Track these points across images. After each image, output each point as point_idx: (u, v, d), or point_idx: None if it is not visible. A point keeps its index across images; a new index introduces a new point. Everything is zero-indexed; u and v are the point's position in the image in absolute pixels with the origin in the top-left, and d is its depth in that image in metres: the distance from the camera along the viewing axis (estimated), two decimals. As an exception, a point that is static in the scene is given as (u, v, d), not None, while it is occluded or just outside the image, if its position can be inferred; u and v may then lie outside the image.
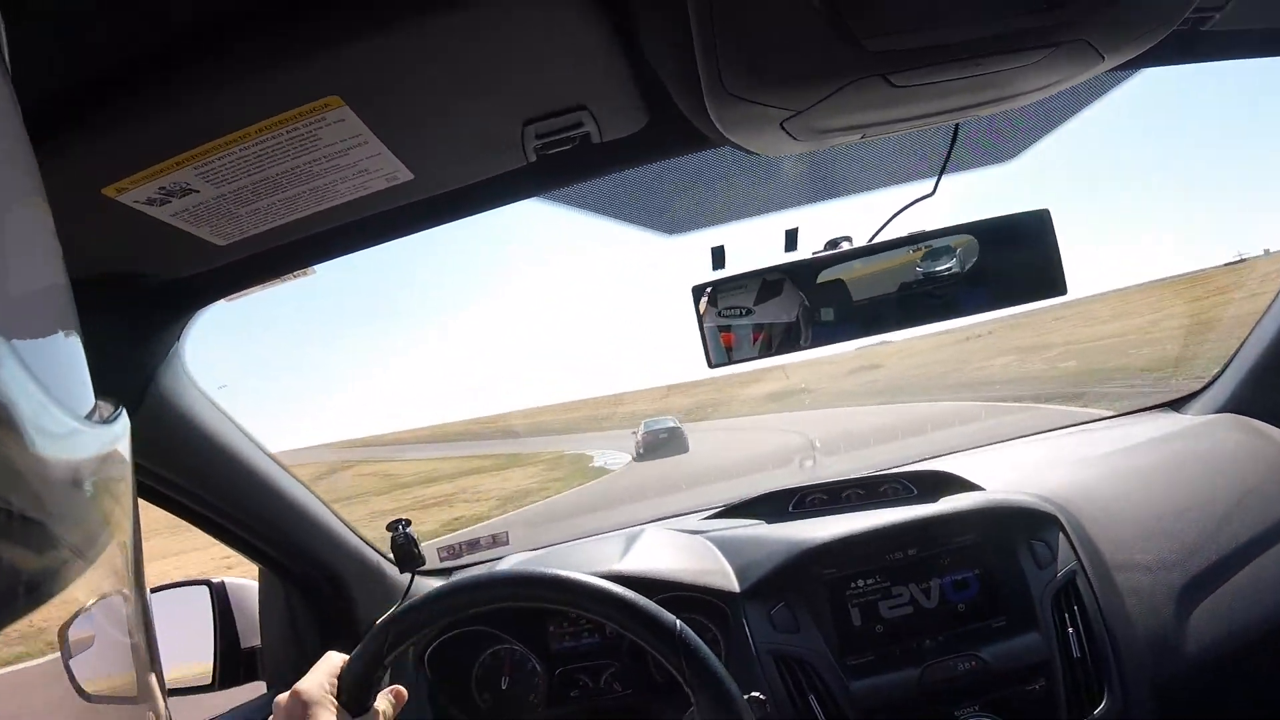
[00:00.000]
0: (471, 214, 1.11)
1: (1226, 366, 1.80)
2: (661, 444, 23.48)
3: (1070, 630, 1.35)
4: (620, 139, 0.98)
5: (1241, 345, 1.75)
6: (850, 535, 1.46)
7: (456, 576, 1.96)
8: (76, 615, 0.33)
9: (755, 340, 1.19)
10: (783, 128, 0.88)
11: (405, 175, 0.93)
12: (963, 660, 1.35)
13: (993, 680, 1.34)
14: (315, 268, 1.17)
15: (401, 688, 0.98)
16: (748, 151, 0.97)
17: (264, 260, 1.08)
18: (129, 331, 1.10)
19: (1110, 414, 2.04)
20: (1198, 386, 1.90)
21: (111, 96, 0.70)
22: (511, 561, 1.81)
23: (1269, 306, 1.65)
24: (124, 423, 0.36)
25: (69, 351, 0.34)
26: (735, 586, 1.46)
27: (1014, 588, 1.41)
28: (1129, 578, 1.38)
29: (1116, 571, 1.39)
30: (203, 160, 0.79)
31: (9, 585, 0.26)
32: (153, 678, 0.39)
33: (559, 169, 1.04)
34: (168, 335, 1.16)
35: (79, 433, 0.31)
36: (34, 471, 0.27)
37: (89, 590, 0.32)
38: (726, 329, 1.19)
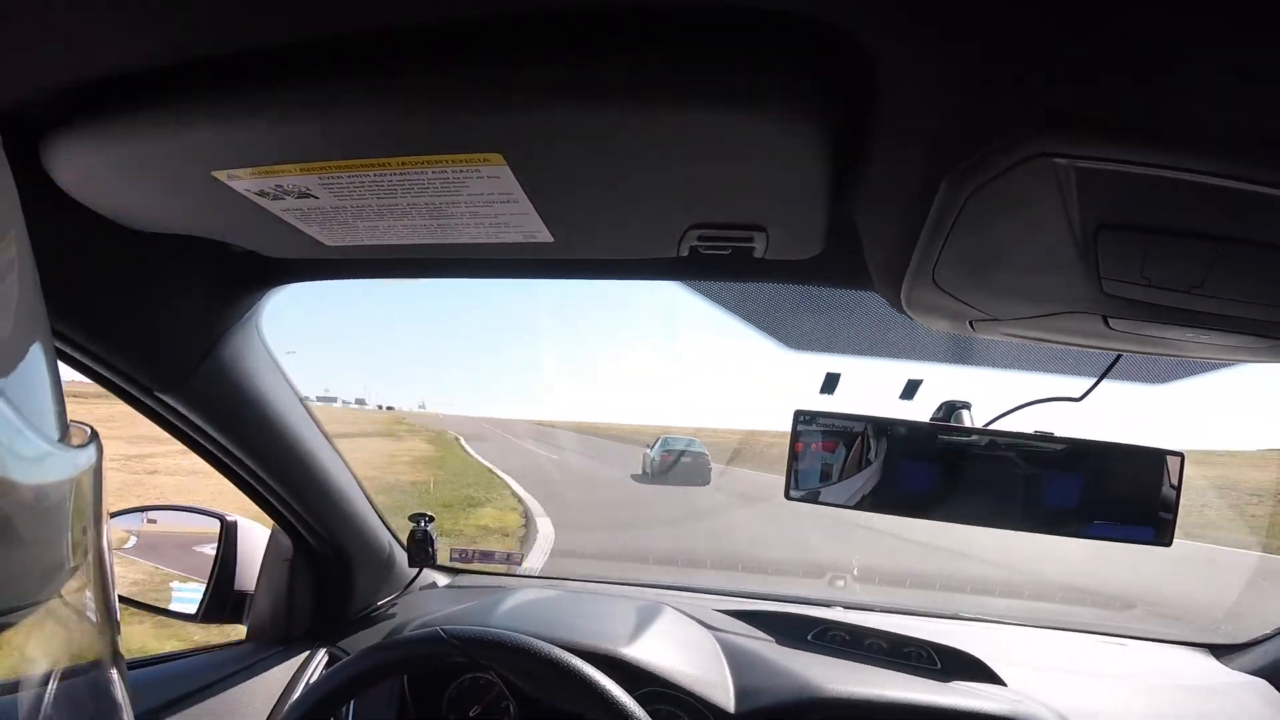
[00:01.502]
0: (601, 279, 1.08)
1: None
2: (677, 469, 19.99)
3: None
4: (783, 260, 0.92)
5: None
6: (865, 699, 1.40)
7: (454, 583, 1.97)
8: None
9: (846, 484, 1.13)
10: (969, 324, 0.82)
11: (545, 237, 0.87)
12: None
13: None
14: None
15: None
16: (909, 316, 0.91)
17: (369, 264, 1.07)
18: (213, 289, 1.09)
19: (1147, 637, 1.95)
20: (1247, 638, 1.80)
21: (242, 84, 0.63)
22: (515, 598, 1.77)
23: None
24: (96, 448, 0.36)
25: (42, 375, 0.34)
26: (731, 706, 1.40)
27: None
28: None
29: None
30: (332, 174, 0.73)
31: None
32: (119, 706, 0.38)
33: (706, 267, 1.00)
34: (248, 300, 1.15)
35: (51, 456, 0.32)
36: (4, 493, 0.27)
37: (46, 620, 0.33)
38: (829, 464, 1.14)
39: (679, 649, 1.49)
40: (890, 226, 0.72)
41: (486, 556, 2.10)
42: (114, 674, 0.38)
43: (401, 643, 1.13)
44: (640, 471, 20.90)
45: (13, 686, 0.31)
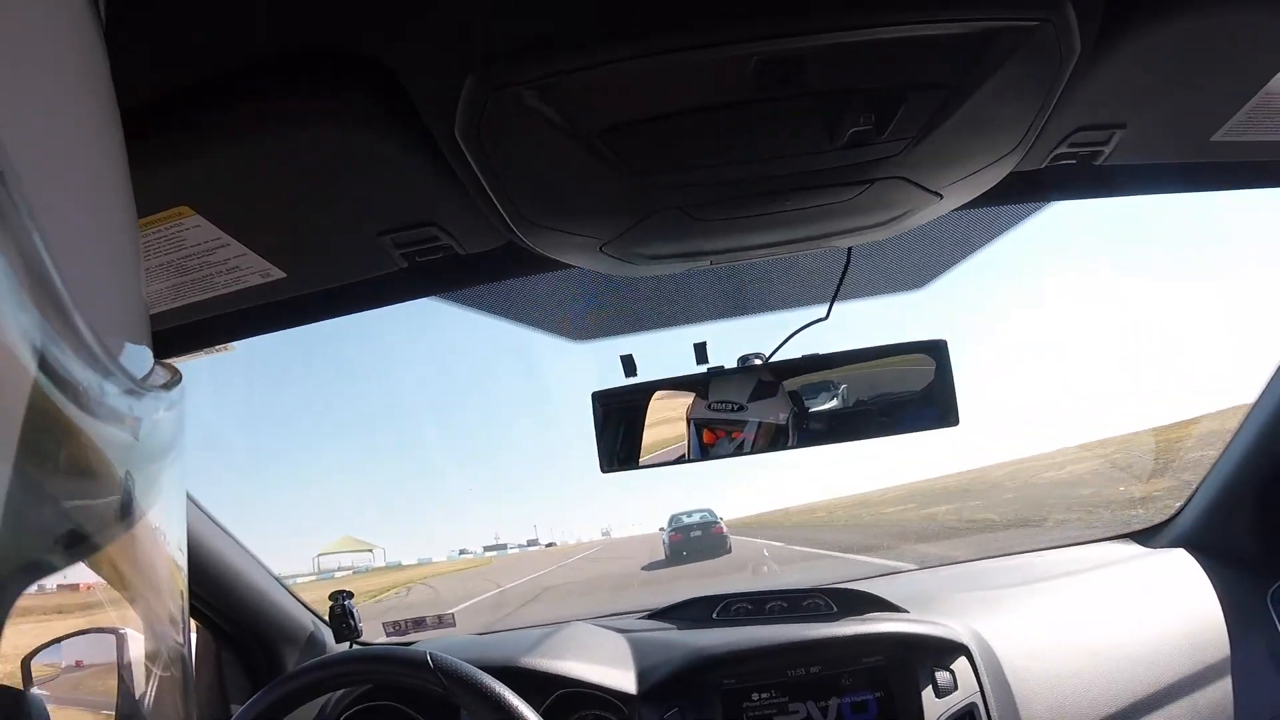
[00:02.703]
0: (355, 311, 1.13)
1: (1189, 500, 1.75)
2: (691, 545, 18.24)
3: None
4: (483, 253, 1.00)
5: (1203, 480, 1.71)
6: (752, 647, 1.44)
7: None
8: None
9: (735, 439, 1.22)
10: (604, 252, 0.92)
11: (278, 273, 0.96)
12: None
13: None
14: (231, 345, 1.21)
15: None
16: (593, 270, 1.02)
17: (171, 336, 1.12)
18: None
19: (1065, 544, 1.99)
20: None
21: None
22: (443, 643, 1.81)
23: (1230, 439, 1.62)
24: (182, 389, 0.36)
25: (131, 311, 0.34)
26: (633, 688, 1.44)
27: (911, 715, 1.37)
28: (1034, 713, 1.35)
29: (1023, 706, 1.35)
30: None
31: (52, 537, 0.26)
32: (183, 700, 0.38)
33: (433, 276, 1.07)
34: None
35: (137, 395, 0.31)
36: (90, 434, 0.27)
37: (127, 566, 0.32)
38: (710, 425, 1.22)
39: (582, 652, 1.53)
40: (483, 193, 0.82)
41: (419, 624, 2.11)
42: (178, 633, 0.37)
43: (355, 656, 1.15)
44: (663, 557, 19.47)
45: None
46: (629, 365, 1.24)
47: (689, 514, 20.09)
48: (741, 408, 1.22)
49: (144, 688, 0.36)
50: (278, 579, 1.68)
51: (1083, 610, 1.51)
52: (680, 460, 1.23)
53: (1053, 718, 1.34)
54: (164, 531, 0.34)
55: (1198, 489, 1.73)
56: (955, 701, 1.36)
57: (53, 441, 0.25)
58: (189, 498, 1.39)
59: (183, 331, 1.12)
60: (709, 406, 1.22)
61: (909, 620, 1.47)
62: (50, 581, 0.26)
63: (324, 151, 0.77)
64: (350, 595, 1.76)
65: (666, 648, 1.52)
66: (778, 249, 1.00)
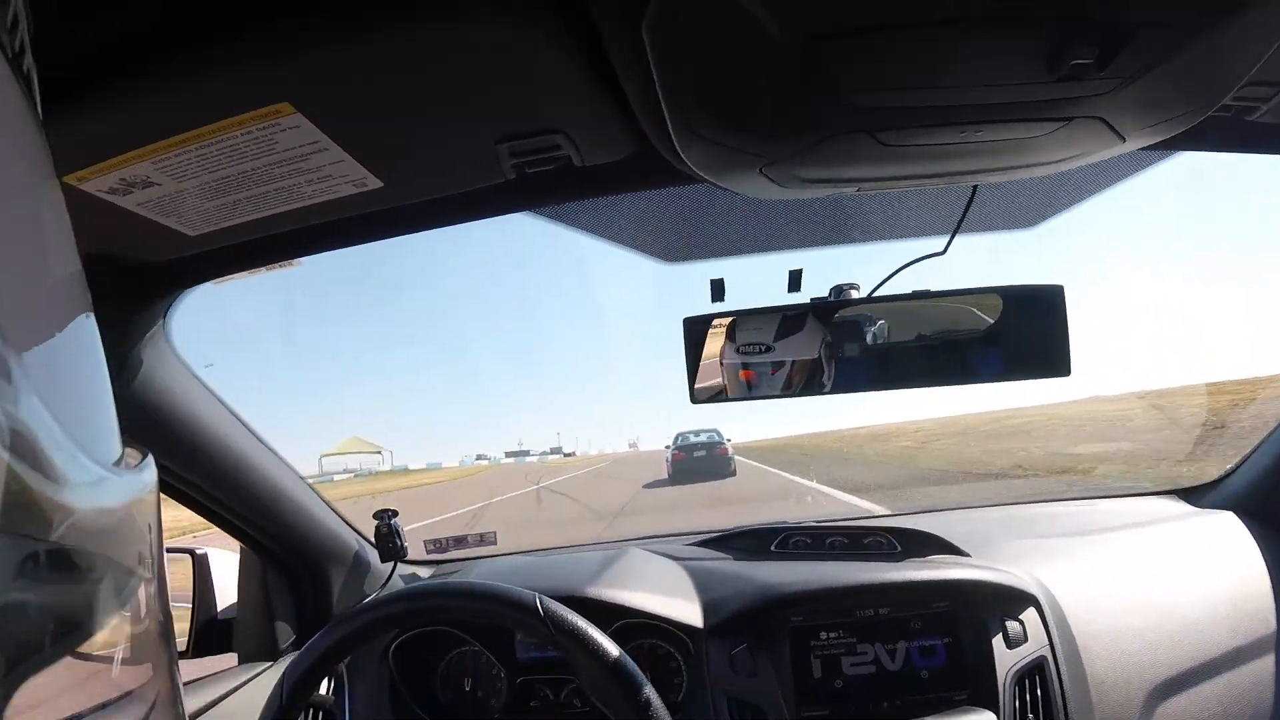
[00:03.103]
0: (449, 224, 1.09)
1: (1243, 462, 1.72)
2: (694, 466, 18.13)
3: (1030, 717, 1.29)
4: (603, 164, 0.95)
5: (1261, 443, 1.66)
6: (823, 587, 1.42)
7: (438, 572, 1.98)
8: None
9: (774, 376, 1.17)
10: (763, 173, 0.85)
11: (375, 183, 0.91)
12: None
13: None
14: (299, 260, 1.16)
15: None
16: (731, 191, 0.95)
17: (239, 251, 1.08)
18: (109, 309, 1.09)
19: (1114, 494, 1.97)
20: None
21: (67, 88, 0.69)
22: (490, 564, 1.81)
23: None
24: (152, 470, 0.37)
25: (97, 398, 0.35)
26: (699, 622, 1.43)
27: (981, 663, 1.35)
28: (1098, 669, 1.32)
29: (1087, 660, 1.33)
30: (160, 155, 0.78)
31: (38, 631, 0.26)
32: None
33: (540, 188, 1.01)
34: (149, 315, 1.16)
35: (108, 480, 0.32)
36: (63, 519, 0.27)
37: (116, 637, 0.32)
38: (746, 365, 1.17)
39: (644, 581, 1.52)
40: (642, 93, 0.75)
41: (460, 541, 2.09)
42: (176, 694, 0.37)
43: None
44: (664, 476, 19.35)
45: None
46: (718, 290, 1.18)
47: (695, 433, 19.97)
48: (838, 342, 1.16)
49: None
50: (319, 495, 1.65)
51: (1138, 566, 1.49)
52: (770, 395, 1.17)
53: (1115, 677, 1.32)
54: (145, 605, 0.34)
55: (1253, 452, 1.69)
56: (1027, 653, 1.34)
57: (30, 528, 0.25)
58: (232, 411, 1.38)
59: (252, 247, 1.07)
60: (803, 339, 1.16)
61: (976, 567, 1.44)
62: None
63: (458, 49, 0.70)
64: (395, 514, 1.76)
65: (732, 581, 1.50)
66: (939, 180, 0.94)
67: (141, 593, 0.34)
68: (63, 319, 0.33)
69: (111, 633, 0.31)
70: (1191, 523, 1.65)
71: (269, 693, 1.50)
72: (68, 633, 0.28)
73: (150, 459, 0.37)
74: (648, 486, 18.32)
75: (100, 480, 0.31)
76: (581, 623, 0.90)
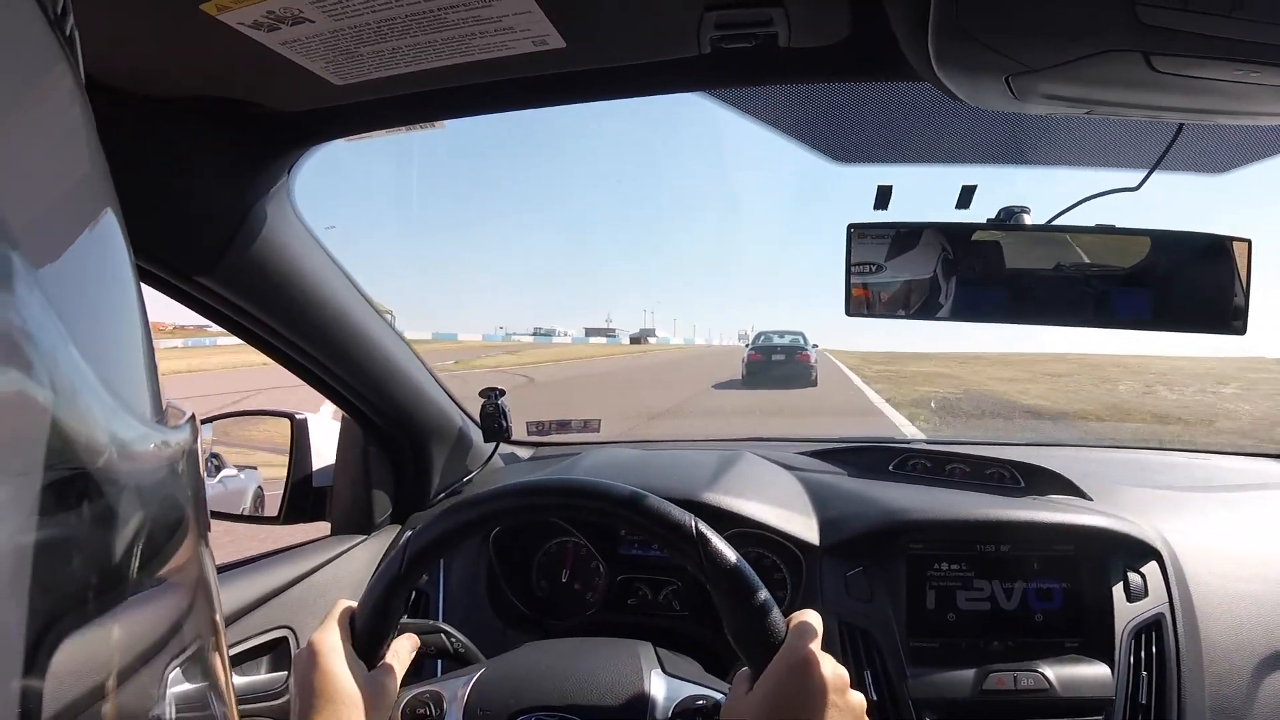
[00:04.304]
0: (625, 96, 1.03)
1: None
2: (772, 371, 16.46)
3: (1144, 674, 1.27)
4: (811, 48, 0.88)
5: None
6: (949, 518, 1.39)
7: (537, 454, 1.99)
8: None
9: (886, 299, 1.12)
10: (1006, 82, 0.79)
11: (557, 42, 0.84)
12: (1027, 674, 1.28)
13: (1050, 705, 1.27)
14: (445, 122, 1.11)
15: (415, 636, 0.97)
16: (952, 95, 0.89)
17: (385, 106, 1.02)
18: (234, 157, 1.06)
19: (1228, 451, 1.93)
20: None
21: None
22: (596, 454, 1.80)
23: None
24: (192, 429, 0.37)
25: (139, 359, 0.35)
26: (816, 539, 1.41)
27: (1098, 612, 1.33)
28: (1212, 631, 1.30)
29: (1202, 621, 1.31)
30: None
31: (79, 587, 0.26)
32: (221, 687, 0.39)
33: (732, 67, 0.95)
34: (275, 167, 1.11)
35: (148, 437, 0.33)
36: (103, 477, 0.28)
37: (152, 595, 0.33)
38: (861, 284, 1.13)
39: (761, 490, 1.50)
40: None
41: (563, 426, 2.09)
42: (216, 658, 0.38)
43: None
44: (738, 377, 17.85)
45: (126, 671, 0.30)
46: (883, 197, 1.13)
47: (779, 334, 18.78)
48: (1007, 268, 1.10)
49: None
50: (430, 370, 1.63)
51: (1259, 530, 1.45)
52: (927, 315, 1.12)
53: (1230, 640, 1.29)
54: (189, 566, 0.36)
55: None
56: (1146, 609, 1.31)
57: (74, 483, 0.26)
58: (349, 277, 1.35)
59: (401, 103, 1.01)
60: (969, 262, 1.11)
61: (1101, 513, 1.40)
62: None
63: None
64: (503, 393, 1.75)
65: (851, 499, 1.49)
66: (1174, 115, 0.89)
67: (180, 553, 0.34)
68: (103, 274, 0.33)
69: (146, 586, 0.31)
70: None
71: (381, 558, 1.51)
72: (105, 583, 0.28)
73: (193, 419, 0.38)
74: (718, 387, 17.25)
75: (141, 435, 0.32)
76: (737, 560, 0.86)
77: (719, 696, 0.93)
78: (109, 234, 0.34)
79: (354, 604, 0.92)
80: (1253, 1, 0.61)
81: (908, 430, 10.52)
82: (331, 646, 0.85)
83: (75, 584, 0.26)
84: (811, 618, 0.85)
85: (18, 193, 0.26)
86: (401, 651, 0.93)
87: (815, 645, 0.82)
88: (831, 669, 0.80)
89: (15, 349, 0.23)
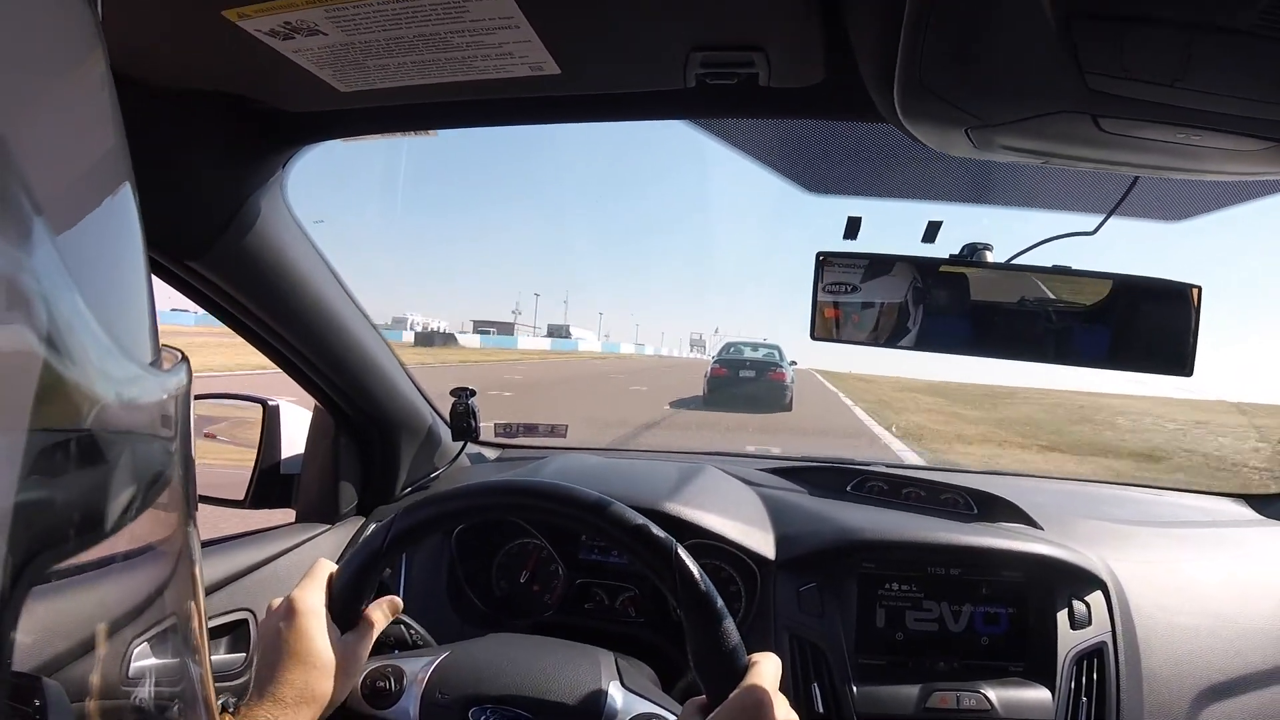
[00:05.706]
0: (613, 120, 1.07)
1: None
2: (740, 389, 14.41)
3: (1084, 700, 1.31)
4: (788, 88, 0.93)
5: None
6: (900, 539, 1.43)
7: (504, 456, 2.02)
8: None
9: (856, 323, 1.16)
10: (966, 133, 0.84)
11: (552, 68, 0.89)
12: (970, 695, 1.32)
13: None
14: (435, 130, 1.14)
15: (397, 598, 0.98)
16: (917, 140, 0.93)
17: (384, 113, 1.06)
18: (232, 149, 1.09)
19: (1182, 488, 1.98)
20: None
21: None
22: (562, 459, 1.83)
23: None
24: (186, 372, 0.37)
25: (137, 300, 0.35)
26: (772, 554, 1.44)
27: (1042, 638, 1.37)
28: (1153, 662, 1.34)
29: (1143, 652, 1.35)
30: (337, 4, 0.76)
31: (64, 524, 0.27)
32: (194, 627, 0.39)
33: (716, 101, 0.99)
34: (271, 161, 1.15)
35: (142, 379, 0.32)
36: (95, 414, 0.28)
37: (140, 537, 0.33)
38: (832, 305, 1.16)
39: (721, 503, 1.54)
40: (874, 27, 0.74)
41: (531, 429, 2.11)
42: (191, 605, 0.38)
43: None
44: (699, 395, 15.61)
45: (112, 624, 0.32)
46: (853, 227, 1.17)
47: (751, 345, 16.43)
48: (972, 299, 1.15)
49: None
50: (403, 366, 1.66)
51: (1202, 566, 1.49)
52: (889, 344, 1.16)
53: (1167, 672, 1.34)
54: (176, 510, 0.36)
55: None
56: (1088, 636, 1.35)
57: (63, 424, 0.26)
58: (333, 271, 1.37)
59: (399, 112, 1.06)
60: (936, 293, 1.15)
61: (1050, 543, 1.45)
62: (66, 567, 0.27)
63: None
64: (474, 393, 1.77)
65: (809, 518, 1.52)
66: (1124, 168, 0.94)
67: (167, 495, 0.34)
68: (105, 214, 0.33)
69: (133, 531, 0.31)
70: (1259, 530, 1.66)
71: (344, 548, 1.51)
72: (91, 529, 0.28)
73: (186, 362, 0.37)
74: (675, 405, 15.34)
75: (135, 378, 0.32)
76: (708, 588, 0.87)
77: (671, 719, 0.96)
78: (125, 208, 0.35)
79: (333, 565, 0.93)
80: (1194, 74, 0.66)
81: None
82: (312, 608, 0.87)
83: (56, 522, 0.26)
84: (772, 661, 0.87)
85: (50, 167, 0.27)
86: (377, 618, 0.94)
87: (773, 687, 0.83)
88: (785, 714, 0.82)
89: (19, 295, 0.24)
